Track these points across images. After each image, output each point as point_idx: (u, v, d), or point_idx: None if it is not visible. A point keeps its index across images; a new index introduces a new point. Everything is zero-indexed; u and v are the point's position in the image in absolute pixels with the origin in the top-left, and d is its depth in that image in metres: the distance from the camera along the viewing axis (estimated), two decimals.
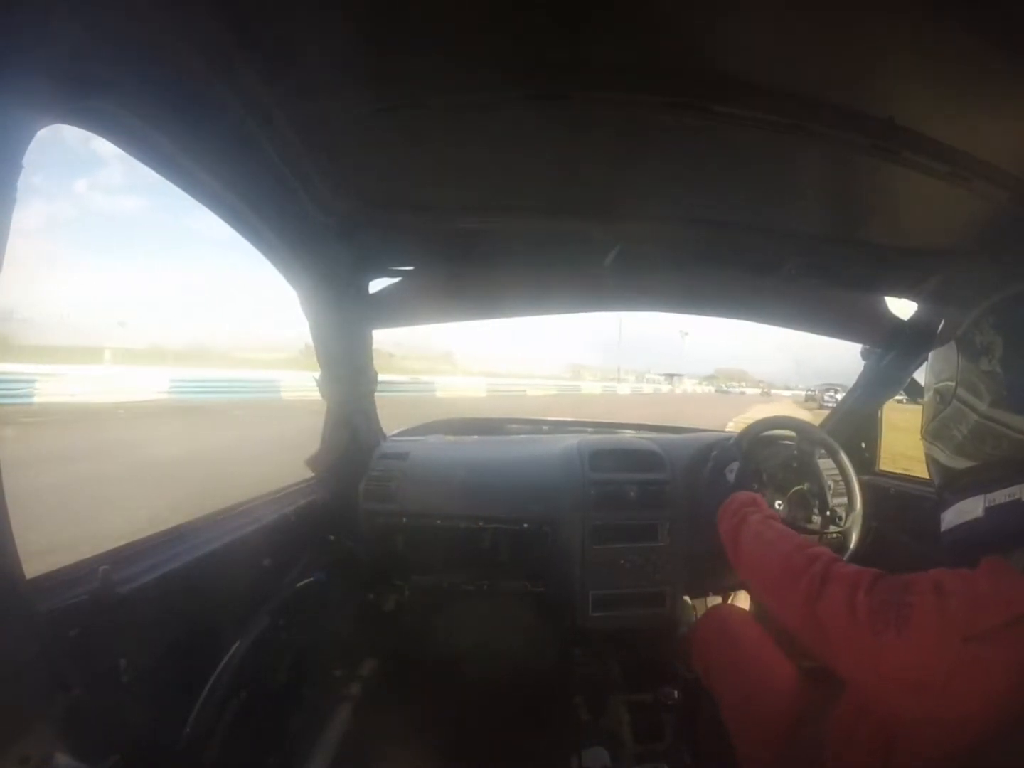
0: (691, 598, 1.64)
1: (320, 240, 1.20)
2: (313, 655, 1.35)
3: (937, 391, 0.71)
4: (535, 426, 2.34)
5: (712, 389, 73.43)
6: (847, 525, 1.37)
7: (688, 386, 73.79)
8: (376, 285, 1.49)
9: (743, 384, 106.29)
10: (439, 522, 1.57)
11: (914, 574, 0.65)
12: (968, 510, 0.64)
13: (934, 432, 0.72)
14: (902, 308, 1.57)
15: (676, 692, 1.40)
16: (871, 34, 0.68)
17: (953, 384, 0.67)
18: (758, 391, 76.40)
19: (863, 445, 1.82)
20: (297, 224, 1.11)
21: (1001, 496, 0.60)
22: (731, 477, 1.22)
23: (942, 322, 0.76)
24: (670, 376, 77.68)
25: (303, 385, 15.48)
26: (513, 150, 1.01)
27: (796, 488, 1.43)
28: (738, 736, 1.08)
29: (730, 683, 1.13)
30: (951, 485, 0.70)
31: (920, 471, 0.99)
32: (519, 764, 1.40)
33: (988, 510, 0.61)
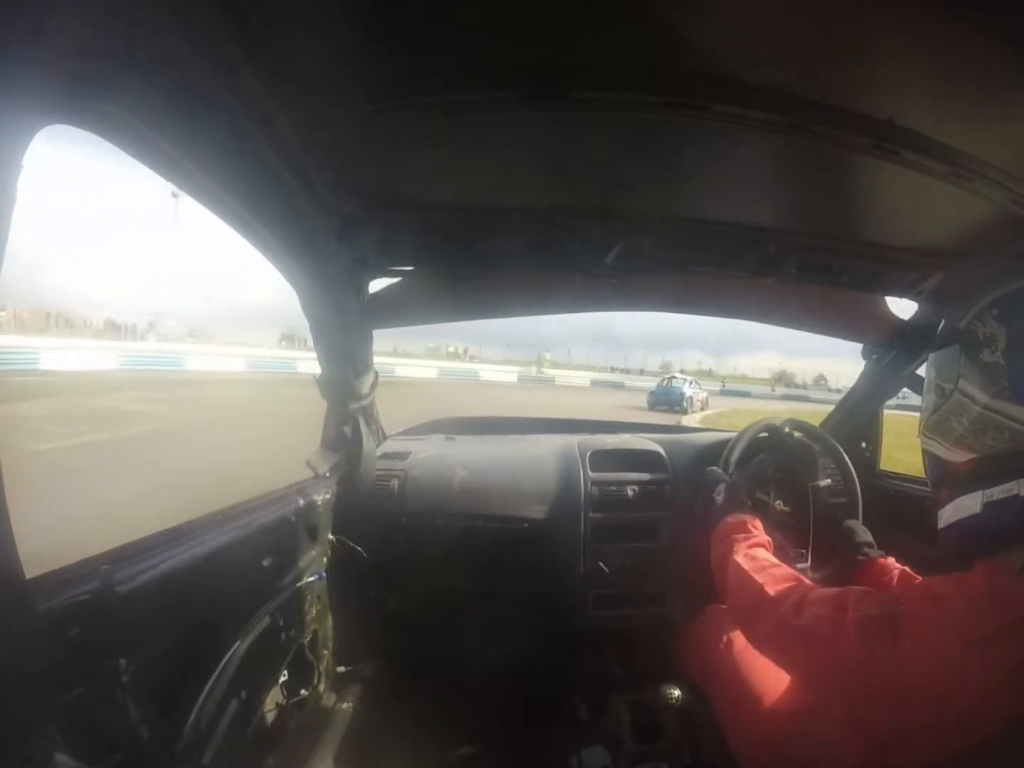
0: (691, 598, 1.65)
1: (320, 240, 1.20)
2: (313, 655, 1.35)
3: (938, 387, 0.70)
4: (535, 426, 2.34)
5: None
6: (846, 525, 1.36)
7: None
8: (376, 285, 1.49)
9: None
10: (439, 522, 1.57)
11: (903, 586, 0.65)
12: (966, 506, 0.64)
13: (933, 426, 0.71)
14: (902, 308, 1.57)
15: (676, 692, 1.40)
16: (871, 34, 0.68)
17: (954, 378, 0.67)
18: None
19: (863, 445, 1.82)
20: (297, 224, 1.10)
21: (999, 492, 0.60)
22: (720, 500, 1.15)
23: (942, 322, 0.76)
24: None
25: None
26: (513, 150, 1.01)
27: (797, 486, 1.43)
28: (734, 737, 1.07)
29: (725, 684, 1.13)
30: (949, 479, 0.69)
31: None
32: (519, 764, 1.40)
33: (986, 506, 0.61)
